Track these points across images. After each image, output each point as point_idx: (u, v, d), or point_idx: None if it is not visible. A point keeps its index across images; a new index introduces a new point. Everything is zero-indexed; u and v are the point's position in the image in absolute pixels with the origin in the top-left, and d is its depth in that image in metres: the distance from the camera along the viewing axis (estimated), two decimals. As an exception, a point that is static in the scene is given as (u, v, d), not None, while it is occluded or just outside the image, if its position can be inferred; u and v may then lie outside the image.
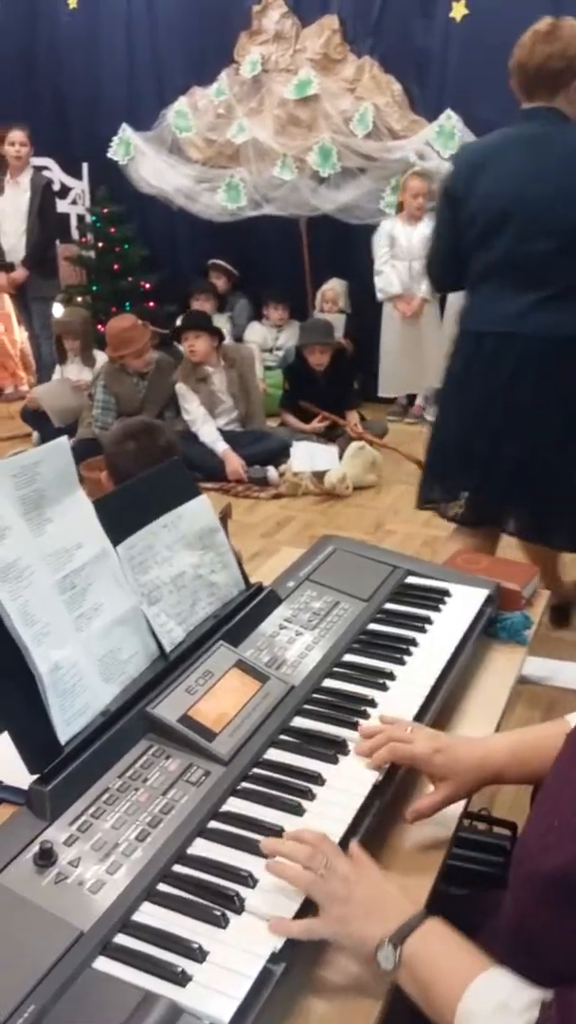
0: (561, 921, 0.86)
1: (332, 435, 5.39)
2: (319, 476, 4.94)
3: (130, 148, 6.48)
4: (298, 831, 1.02)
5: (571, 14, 5.36)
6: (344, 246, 6.38)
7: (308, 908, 0.96)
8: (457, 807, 1.19)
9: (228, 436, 5.22)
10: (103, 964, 0.89)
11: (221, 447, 5.11)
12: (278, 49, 6.29)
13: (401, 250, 5.97)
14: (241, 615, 1.44)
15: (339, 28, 6.11)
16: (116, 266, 6.77)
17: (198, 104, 6.43)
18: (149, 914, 0.95)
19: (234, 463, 5.05)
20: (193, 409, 5.19)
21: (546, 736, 1.16)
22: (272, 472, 5.04)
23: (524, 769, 1.15)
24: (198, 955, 0.89)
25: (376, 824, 1.12)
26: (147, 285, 6.86)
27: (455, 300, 5.75)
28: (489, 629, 1.57)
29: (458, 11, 5.74)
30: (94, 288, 6.86)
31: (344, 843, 1.03)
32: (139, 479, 1.44)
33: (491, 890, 1.34)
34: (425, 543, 4.19)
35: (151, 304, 6.75)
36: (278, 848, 1.00)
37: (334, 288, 6.43)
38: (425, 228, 5.85)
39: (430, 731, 1.21)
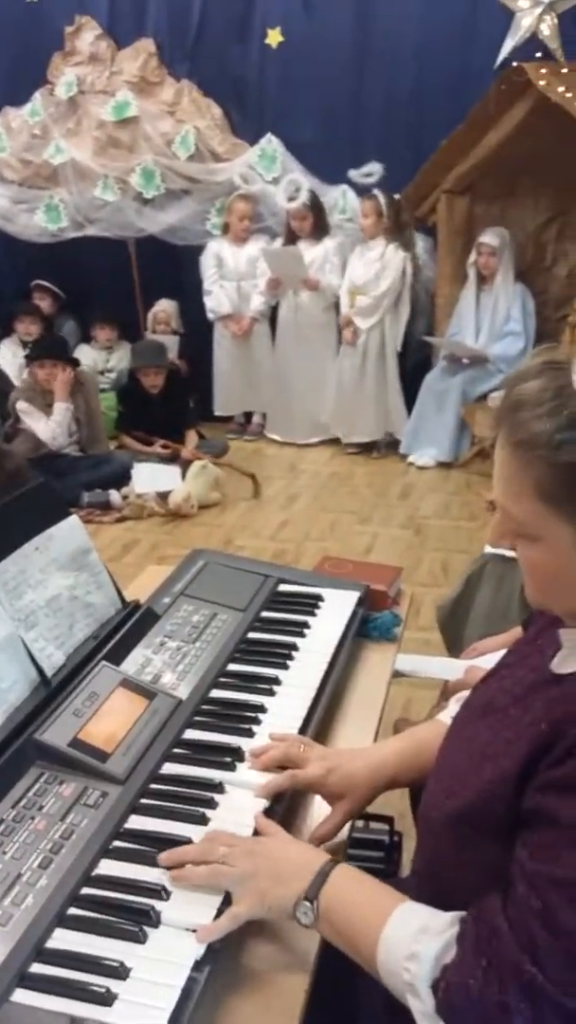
0: (465, 852, 0.93)
1: (174, 455, 5.38)
2: (163, 497, 4.92)
3: (-57, 168, 6.26)
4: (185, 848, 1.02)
5: (378, 49, 5.66)
6: (174, 267, 6.40)
7: (223, 912, 0.96)
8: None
9: (66, 461, 5.12)
10: (21, 996, 0.86)
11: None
12: (94, 71, 6.26)
13: (229, 271, 6.06)
14: (121, 634, 1.43)
15: (155, 51, 6.15)
16: None
17: (12, 124, 6.30)
18: (63, 939, 0.93)
19: None
20: (42, 427, 5.03)
21: (428, 737, 1.22)
22: (115, 495, 4.97)
23: (413, 772, 1.20)
24: (120, 972, 0.88)
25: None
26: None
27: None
28: (361, 629, 1.63)
29: (273, 38, 5.91)
30: None
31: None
32: (5, 502, 1.40)
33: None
34: (276, 555, 4.26)
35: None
36: (172, 858, 1.00)
37: (165, 309, 6.43)
38: (252, 249, 5.97)
39: (320, 750, 1.22)
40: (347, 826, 1.20)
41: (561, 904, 0.79)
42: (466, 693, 1.20)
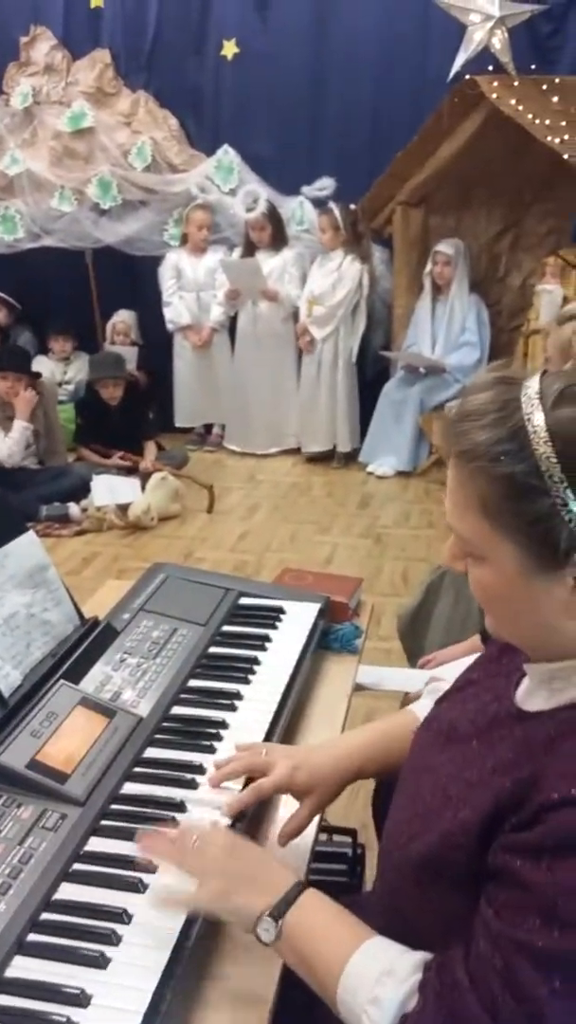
0: (429, 896, 0.92)
1: (133, 467, 5.34)
2: (123, 509, 4.89)
3: None
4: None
5: (333, 61, 5.70)
6: (131, 278, 6.37)
7: (186, 934, 0.95)
8: (311, 822, 1.22)
9: (24, 474, 5.06)
10: (-20, 1028, 0.84)
11: None
12: (49, 81, 6.22)
13: (188, 282, 6.05)
14: (79, 652, 1.41)
15: (111, 62, 6.13)
16: None
17: (-33, 135, 6.24)
18: (23, 968, 0.91)
19: None
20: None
21: (394, 727, 1.22)
22: (74, 508, 4.93)
23: (380, 762, 1.20)
24: (82, 1000, 0.87)
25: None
26: None
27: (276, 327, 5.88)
28: (323, 641, 1.62)
29: (229, 50, 5.92)
30: None
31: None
32: (-40, 520, 1.38)
33: (340, 898, 1.37)
34: (236, 567, 4.25)
35: None
36: (150, 834, 1.02)
37: (124, 320, 6.40)
38: (210, 260, 5.97)
39: (284, 749, 1.22)
40: (311, 839, 1.19)
41: (525, 968, 0.78)
42: (442, 684, 1.19)
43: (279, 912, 0.92)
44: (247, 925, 0.94)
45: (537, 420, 0.81)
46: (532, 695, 0.94)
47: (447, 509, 0.90)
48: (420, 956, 0.88)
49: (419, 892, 0.93)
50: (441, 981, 0.83)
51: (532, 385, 0.84)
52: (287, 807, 1.23)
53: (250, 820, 1.17)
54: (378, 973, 0.87)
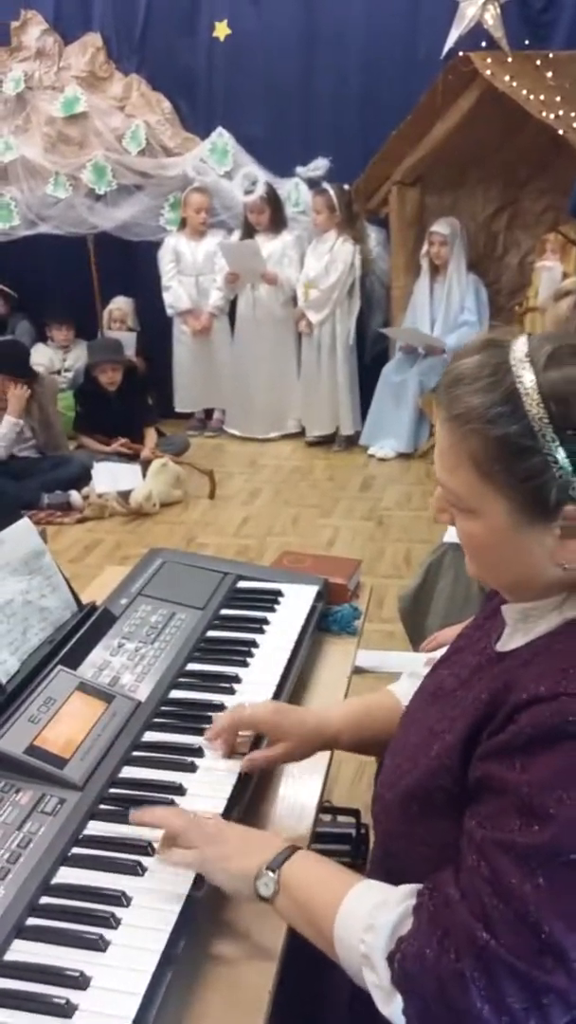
0: (418, 828, 0.95)
1: (134, 454, 5.34)
2: (124, 496, 4.88)
3: None
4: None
5: (326, 41, 5.66)
6: (129, 263, 6.34)
7: (185, 916, 0.95)
8: (312, 801, 1.23)
9: (25, 463, 5.07)
10: (-20, 1011, 0.84)
11: None
12: (41, 66, 6.17)
13: (187, 265, 6.02)
14: (77, 637, 1.41)
15: (103, 46, 6.08)
16: None
17: (-41, 122, 6.20)
18: (22, 951, 0.91)
19: None
20: None
21: (376, 706, 1.25)
22: (75, 496, 4.92)
23: (357, 736, 1.23)
24: (81, 982, 0.87)
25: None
26: None
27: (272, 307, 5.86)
28: (321, 623, 1.62)
29: (221, 31, 5.86)
30: None
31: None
32: (-45, 508, 1.38)
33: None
34: (239, 552, 4.24)
35: None
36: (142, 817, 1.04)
37: (121, 307, 6.37)
38: (209, 244, 5.94)
39: (270, 701, 1.28)
40: (311, 819, 1.20)
41: (509, 868, 0.79)
42: (420, 667, 1.23)
43: (277, 863, 0.95)
44: (247, 885, 0.96)
45: (528, 382, 0.85)
46: (510, 638, 0.98)
47: (437, 466, 0.93)
48: (413, 885, 0.90)
49: (409, 828, 0.96)
50: (433, 901, 0.85)
51: (520, 347, 0.88)
52: (287, 786, 1.24)
53: (251, 800, 1.17)
54: (371, 906, 0.89)
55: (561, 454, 0.84)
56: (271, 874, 0.95)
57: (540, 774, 0.80)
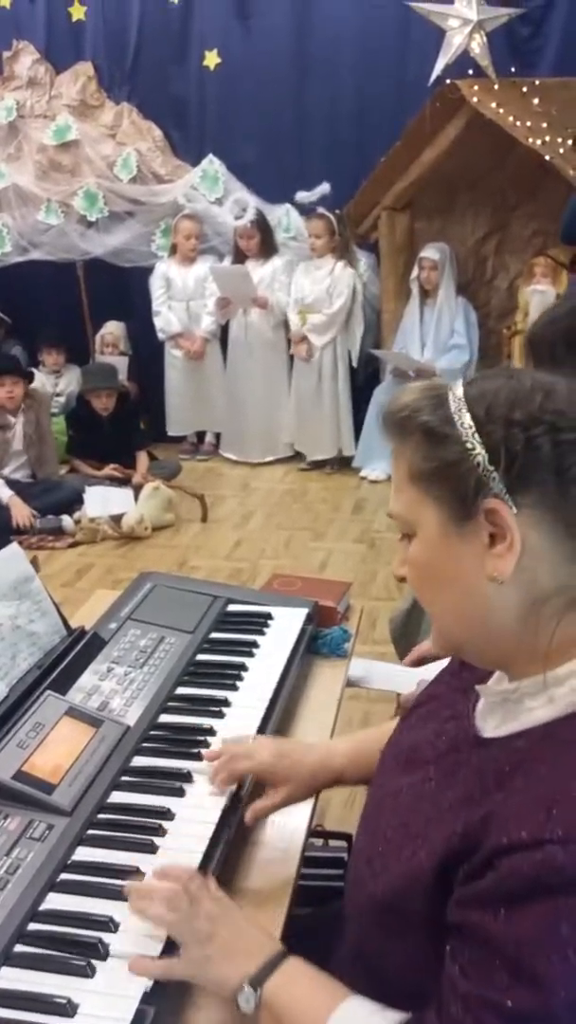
0: (393, 942, 0.91)
1: (126, 478, 5.34)
2: (116, 520, 4.88)
3: None
4: (165, 868, 1.01)
5: (315, 69, 5.73)
6: (120, 289, 6.38)
7: (174, 945, 0.95)
8: (303, 825, 1.22)
9: (16, 487, 5.06)
10: (-34, 1041, 0.84)
11: (6, 494, 4.93)
12: (33, 95, 6.24)
13: (177, 291, 6.06)
14: (66, 662, 1.41)
15: (94, 75, 6.15)
16: None
17: (-49, 150, 6.26)
18: (9, 978, 0.91)
19: (21, 511, 4.88)
20: None
21: (380, 738, 1.20)
22: (67, 520, 4.92)
23: (362, 770, 1.20)
24: (67, 1010, 0.87)
25: (228, 853, 1.12)
26: None
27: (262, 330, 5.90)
28: (311, 646, 1.62)
29: (211, 60, 5.94)
30: None
31: (202, 874, 1.03)
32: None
33: (335, 901, 1.38)
34: (231, 575, 4.24)
35: None
36: (142, 888, 0.99)
37: (113, 331, 6.40)
38: (200, 269, 5.98)
39: (270, 739, 1.26)
40: (300, 843, 1.19)
41: None
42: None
43: (259, 980, 0.91)
44: (227, 995, 0.92)
45: (458, 390, 0.90)
46: (486, 717, 0.95)
47: (390, 502, 0.95)
48: (394, 1015, 0.86)
49: (382, 936, 0.92)
50: None
51: (458, 386, 0.92)
52: (282, 812, 1.23)
53: (240, 825, 1.17)
54: None
55: (477, 440, 0.85)
56: (252, 991, 0.90)
57: (526, 932, 0.76)
